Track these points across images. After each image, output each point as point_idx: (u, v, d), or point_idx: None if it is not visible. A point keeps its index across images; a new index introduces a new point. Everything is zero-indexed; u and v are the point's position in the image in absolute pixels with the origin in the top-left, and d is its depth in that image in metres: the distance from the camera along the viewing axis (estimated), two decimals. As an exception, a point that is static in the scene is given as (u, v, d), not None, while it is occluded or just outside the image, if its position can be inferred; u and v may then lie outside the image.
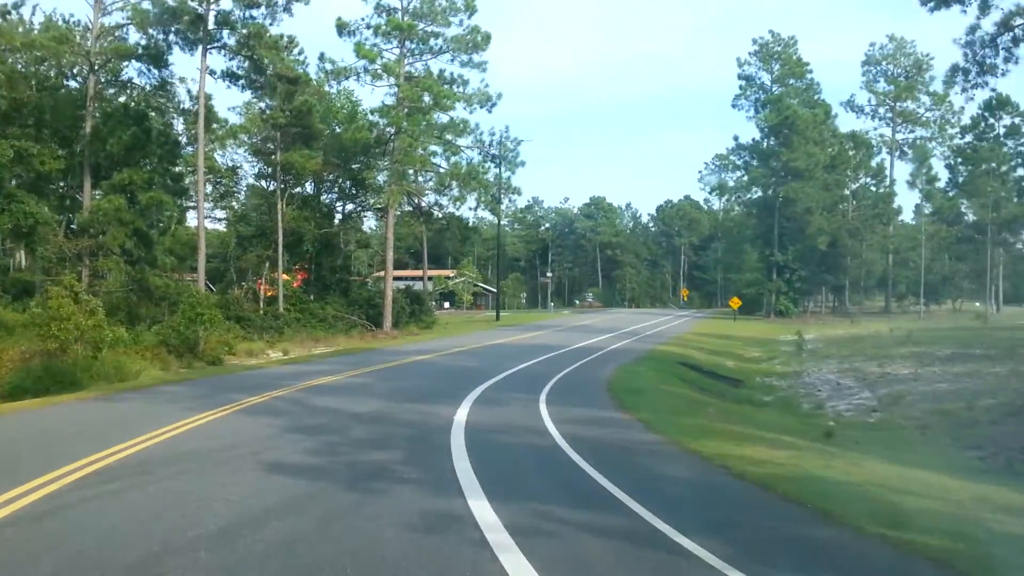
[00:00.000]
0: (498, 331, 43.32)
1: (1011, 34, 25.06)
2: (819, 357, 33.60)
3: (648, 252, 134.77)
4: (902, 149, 79.29)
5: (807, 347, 37.16)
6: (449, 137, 48.04)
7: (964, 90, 29.69)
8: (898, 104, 79.81)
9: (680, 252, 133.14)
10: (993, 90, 28.89)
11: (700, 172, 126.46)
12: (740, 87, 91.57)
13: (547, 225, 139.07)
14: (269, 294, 44.26)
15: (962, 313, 63.71)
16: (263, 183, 49.53)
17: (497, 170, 56.83)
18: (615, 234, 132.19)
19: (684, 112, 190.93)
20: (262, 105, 45.50)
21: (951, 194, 62.59)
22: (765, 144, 61.40)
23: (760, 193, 65.79)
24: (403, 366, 24.05)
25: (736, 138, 72.89)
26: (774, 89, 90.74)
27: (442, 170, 53.25)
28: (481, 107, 50.48)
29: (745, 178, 65.86)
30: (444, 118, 44.93)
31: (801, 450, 11.97)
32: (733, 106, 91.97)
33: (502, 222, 64.68)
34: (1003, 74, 27.13)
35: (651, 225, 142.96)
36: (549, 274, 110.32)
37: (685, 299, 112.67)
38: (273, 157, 43.45)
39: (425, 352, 28.72)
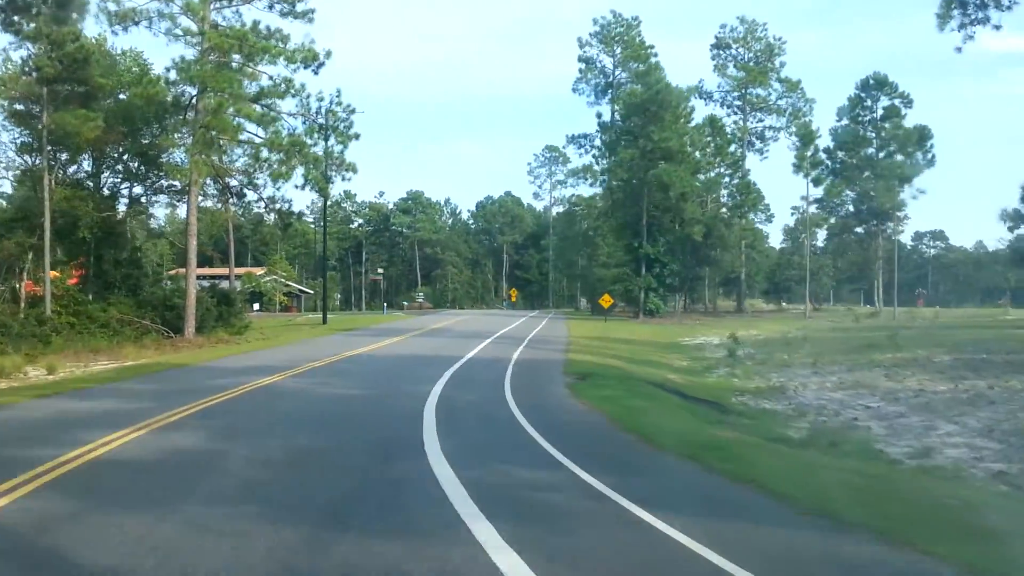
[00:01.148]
0: (338, 338, 34.30)
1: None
2: (775, 365, 26.80)
3: (469, 251, 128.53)
4: (751, 139, 75.04)
5: (740, 351, 29.86)
6: (268, 102, 37.88)
7: (962, 27, 23.40)
8: (749, 91, 75.49)
9: (503, 251, 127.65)
10: (996, 27, 22.93)
11: (529, 164, 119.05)
12: (580, 70, 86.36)
13: (361, 221, 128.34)
14: (36, 293, 32.99)
15: (846, 314, 58.70)
16: (26, 159, 37.75)
17: (325, 143, 46.80)
18: (435, 231, 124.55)
19: (493, 115, 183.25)
20: (24, 54, 33.96)
21: (833, 182, 57.23)
22: (632, 122, 54.23)
23: (615, 181, 58.54)
24: (241, 399, 15.04)
25: (599, 115, 66.16)
26: (617, 73, 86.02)
27: (258, 140, 42.46)
28: (306, 67, 40.44)
29: (603, 163, 58.29)
30: (261, 80, 34.90)
31: None
32: (574, 90, 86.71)
33: (328, 208, 54.31)
34: (1009, 7, 21.23)
35: (471, 222, 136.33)
36: (380, 271, 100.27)
37: (513, 300, 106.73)
38: (39, 121, 32.10)
39: (260, 371, 20.15)
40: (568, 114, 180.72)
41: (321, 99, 51.09)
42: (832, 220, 60.49)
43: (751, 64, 75.91)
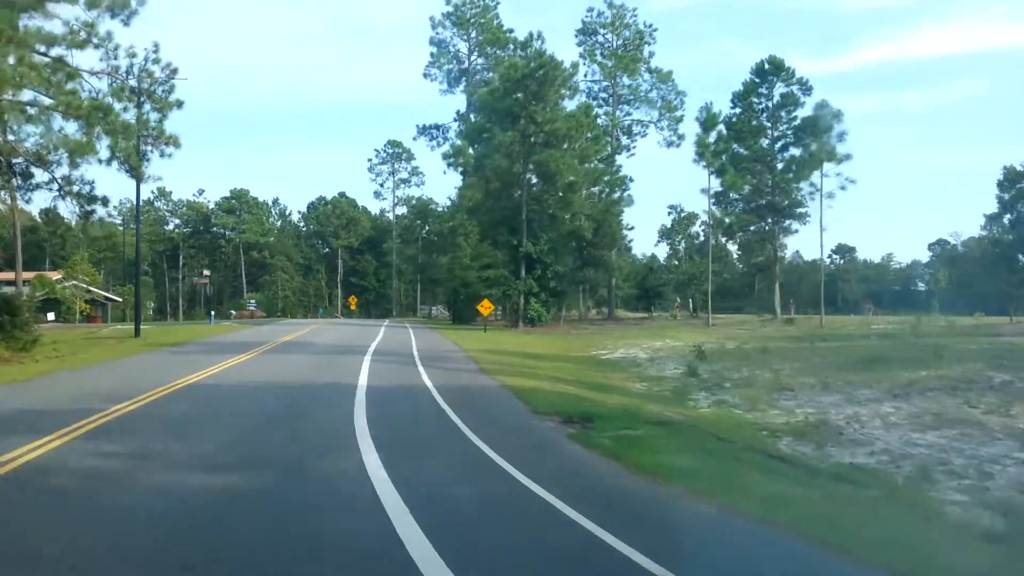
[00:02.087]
0: (159, 357, 25.75)
1: None
2: (768, 387, 20.73)
3: (301, 255, 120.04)
4: (620, 131, 69.18)
5: (706, 369, 22.92)
6: (61, 52, 28.44)
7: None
8: (618, 80, 69.72)
9: (337, 256, 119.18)
10: None
11: (370, 161, 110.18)
12: (432, 55, 78.68)
13: (178, 222, 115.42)
14: None
15: (759, 322, 52.85)
16: None
17: (138, 109, 37.20)
18: (262, 233, 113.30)
19: (325, 116, 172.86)
20: None
21: (735, 173, 51.43)
22: (511, 100, 46.69)
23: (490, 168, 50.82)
24: None
25: (470, 95, 58.23)
26: (473, 59, 78.75)
27: (48, 102, 32.27)
28: (113, 15, 31.38)
29: (476, 149, 50.38)
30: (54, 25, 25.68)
31: None
32: (424, 76, 78.85)
33: (140, 205, 43.81)
34: None
35: (303, 225, 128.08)
36: (207, 272, 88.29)
37: (352, 308, 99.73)
38: None
39: (25, 424, 10.73)
40: (409, 117, 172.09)
41: (133, 54, 41.15)
42: (728, 220, 54.47)
43: (620, 52, 70.13)
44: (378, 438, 10.81)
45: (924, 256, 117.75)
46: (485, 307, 44.99)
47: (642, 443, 11.34)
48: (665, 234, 70.54)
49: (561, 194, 49.09)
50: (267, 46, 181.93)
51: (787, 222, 57.73)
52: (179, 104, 42.25)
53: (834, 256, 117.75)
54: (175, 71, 42.15)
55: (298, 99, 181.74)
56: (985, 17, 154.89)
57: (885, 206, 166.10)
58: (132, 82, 40.66)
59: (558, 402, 15.96)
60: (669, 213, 70.20)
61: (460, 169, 52.05)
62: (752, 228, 57.88)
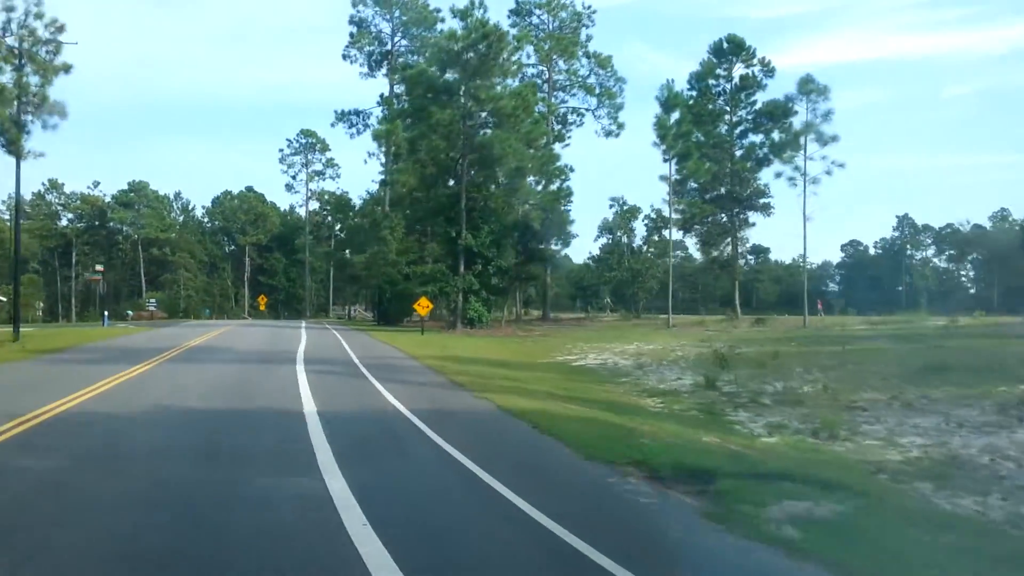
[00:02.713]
0: (38, 368, 21.32)
1: None
2: (820, 404, 15.40)
3: (205, 252, 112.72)
4: (555, 119, 64.55)
5: (724, 379, 18.52)
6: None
7: None
8: (554, 64, 65.08)
9: (244, 253, 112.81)
10: None
11: (281, 151, 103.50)
12: (351, 34, 72.82)
13: (71, 216, 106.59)
14: None
15: (710, 325, 48.53)
16: None
17: (18, 72, 31.64)
18: (163, 229, 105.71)
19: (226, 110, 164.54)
20: None
21: (698, 160, 46.90)
22: (451, 75, 41.59)
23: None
24: None
25: (393, 79, 52.79)
26: (397, 41, 73.27)
27: None
28: None
29: (402, 128, 44.92)
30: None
31: None
32: (344, 57, 73.10)
33: (29, 201, 37.19)
34: None
35: (207, 220, 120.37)
36: (99, 268, 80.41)
37: (262, 308, 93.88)
38: None
39: None
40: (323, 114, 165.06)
41: (11, 8, 35.05)
42: (692, 211, 49.75)
43: (557, 33, 65.51)
44: (395, 547, 5.83)
45: (835, 257, 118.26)
46: (423, 306, 39.76)
47: (874, 541, 6.61)
48: (607, 229, 66.27)
49: (505, 181, 44.13)
50: (176, 43, 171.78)
51: (747, 214, 54.04)
52: (66, 69, 36.15)
53: (748, 257, 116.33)
54: (62, 28, 36.01)
55: (204, 95, 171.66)
56: (881, 27, 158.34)
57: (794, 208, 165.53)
58: (10, 40, 34.59)
59: (597, 436, 11.43)
60: (611, 206, 66.25)
61: (388, 152, 46.42)
62: (709, 220, 53.66)
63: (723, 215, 53.96)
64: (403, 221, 59.83)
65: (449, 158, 44.17)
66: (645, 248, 65.25)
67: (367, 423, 12.34)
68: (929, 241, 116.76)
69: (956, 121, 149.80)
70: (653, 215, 63.84)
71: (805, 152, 40.14)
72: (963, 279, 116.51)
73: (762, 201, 52.86)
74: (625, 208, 62.62)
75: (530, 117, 44.69)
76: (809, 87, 39.24)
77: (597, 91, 65.07)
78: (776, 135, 48.68)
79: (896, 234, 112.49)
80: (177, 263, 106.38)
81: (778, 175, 40.96)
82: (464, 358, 26.13)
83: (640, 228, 65.68)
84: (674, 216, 47.24)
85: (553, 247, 52.56)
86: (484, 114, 42.98)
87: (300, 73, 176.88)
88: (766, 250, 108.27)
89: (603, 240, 68.62)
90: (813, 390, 18.46)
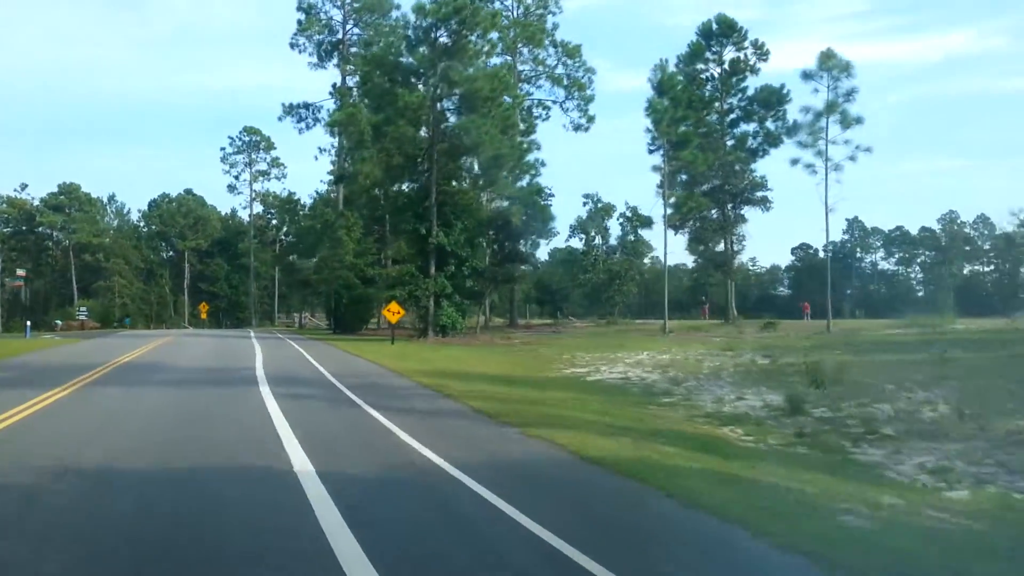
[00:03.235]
0: None
1: None
2: (999, 439, 11.55)
3: (141, 259, 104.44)
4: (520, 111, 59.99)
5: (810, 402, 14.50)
6: None
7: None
8: (519, 53, 60.62)
9: (184, 259, 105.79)
10: None
11: (223, 150, 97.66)
12: (299, 22, 67.75)
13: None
14: None
15: (709, 331, 44.13)
16: None
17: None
18: (96, 234, 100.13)
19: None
20: None
21: (696, 150, 42.55)
22: (419, 55, 36.96)
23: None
24: None
25: (360, 57, 48.08)
26: (349, 29, 68.32)
27: None
28: None
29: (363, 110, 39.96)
30: None
31: None
32: (291, 46, 67.98)
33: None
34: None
35: (143, 225, 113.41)
36: (21, 273, 74.05)
37: (204, 317, 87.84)
38: None
39: None
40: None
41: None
42: (673, 201, 44.77)
43: (523, 20, 61.10)
44: None
45: (785, 260, 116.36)
46: (393, 312, 34.99)
47: None
48: (579, 228, 61.75)
49: (480, 172, 39.53)
50: (114, 48, 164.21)
51: (743, 209, 50.09)
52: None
53: (700, 260, 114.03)
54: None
55: (142, 99, 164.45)
56: (821, 37, 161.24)
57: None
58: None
59: (762, 508, 7.32)
60: (584, 203, 61.67)
61: (341, 146, 41.44)
62: (700, 216, 49.45)
63: (715, 211, 49.70)
64: (360, 220, 54.90)
65: (418, 147, 39.48)
66: (619, 249, 60.76)
67: (405, 496, 7.89)
68: (879, 244, 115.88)
69: (899, 127, 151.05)
70: (629, 213, 59.71)
71: (827, 135, 35.87)
72: (912, 281, 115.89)
73: (759, 195, 49.06)
74: (600, 205, 58.44)
75: (508, 98, 40.15)
76: (830, 63, 35.25)
77: (565, 82, 60.98)
78: (771, 124, 45.10)
79: (846, 237, 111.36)
80: (111, 270, 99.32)
81: (794, 162, 36.80)
82: (458, 373, 21.72)
83: (615, 227, 61.59)
84: (668, 211, 43.18)
85: (530, 246, 47.85)
86: (456, 98, 38.42)
87: (243, 77, 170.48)
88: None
89: (574, 241, 64.51)
90: (939, 414, 14.42)
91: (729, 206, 49.10)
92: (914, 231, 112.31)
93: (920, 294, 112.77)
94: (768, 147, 46.22)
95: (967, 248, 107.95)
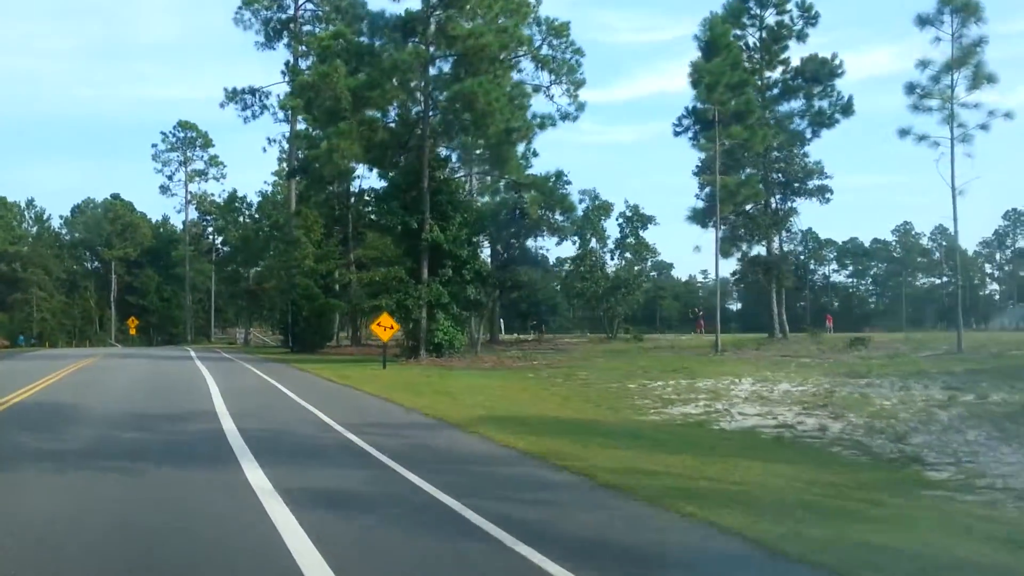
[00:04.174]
0: None
1: None
2: None
3: (63, 269, 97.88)
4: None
5: None
6: None
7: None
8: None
9: (111, 270, 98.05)
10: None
11: (155, 147, 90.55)
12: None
13: None
14: None
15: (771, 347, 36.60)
16: None
17: None
18: (12, 242, 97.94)
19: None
20: None
21: (749, 124, 35.09)
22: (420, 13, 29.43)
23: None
24: None
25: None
26: (302, 4, 60.36)
27: None
28: None
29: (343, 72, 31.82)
30: None
31: None
32: (236, 22, 60.31)
33: None
34: None
35: (65, 232, 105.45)
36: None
37: (133, 332, 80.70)
38: None
39: None
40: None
41: None
42: (742, 191, 36.79)
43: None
44: None
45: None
46: (385, 328, 26.94)
47: None
48: (576, 228, 54.17)
49: (486, 152, 31.88)
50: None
51: (795, 201, 43.00)
52: None
53: (652, 273, 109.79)
54: None
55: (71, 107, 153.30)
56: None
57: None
58: None
59: None
60: (581, 200, 54.04)
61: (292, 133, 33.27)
62: (741, 210, 41.82)
63: (770, 203, 42.28)
64: (321, 219, 46.70)
65: (407, 121, 31.79)
66: (616, 252, 53.49)
67: None
68: (832, 256, 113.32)
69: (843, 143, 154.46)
70: (629, 212, 52.28)
71: (952, 94, 28.32)
72: (865, 293, 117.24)
73: (816, 183, 41.96)
74: (598, 203, 50.88)
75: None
76: (954, 2, 28.09)
77: (553, 64, 53.60)
78: (818, 102, 38.04)
79: (800, 248, 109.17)
80: (28, 281, 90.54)
81: (903, 133, 29.29)
82: (531, 421, 14.37)
83: (612, 229, 54.02)
84: (706, 204, 35.86)
85: (546, 244, 39.44)
86: (455, 55, 30.73)
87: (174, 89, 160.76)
88: (670, 266, 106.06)
89: (566, 245, 57.19)
90: None
91: (777, 196, 42.02)
92: (867, 242, 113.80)
93: (872, 306, 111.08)
94: (819, 128, 39.40)
95: (920, 259, 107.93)
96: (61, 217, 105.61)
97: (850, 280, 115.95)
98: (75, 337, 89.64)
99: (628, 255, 51.20)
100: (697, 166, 39.05)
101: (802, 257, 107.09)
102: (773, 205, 42.25)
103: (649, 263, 54.22)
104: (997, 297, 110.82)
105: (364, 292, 34.71)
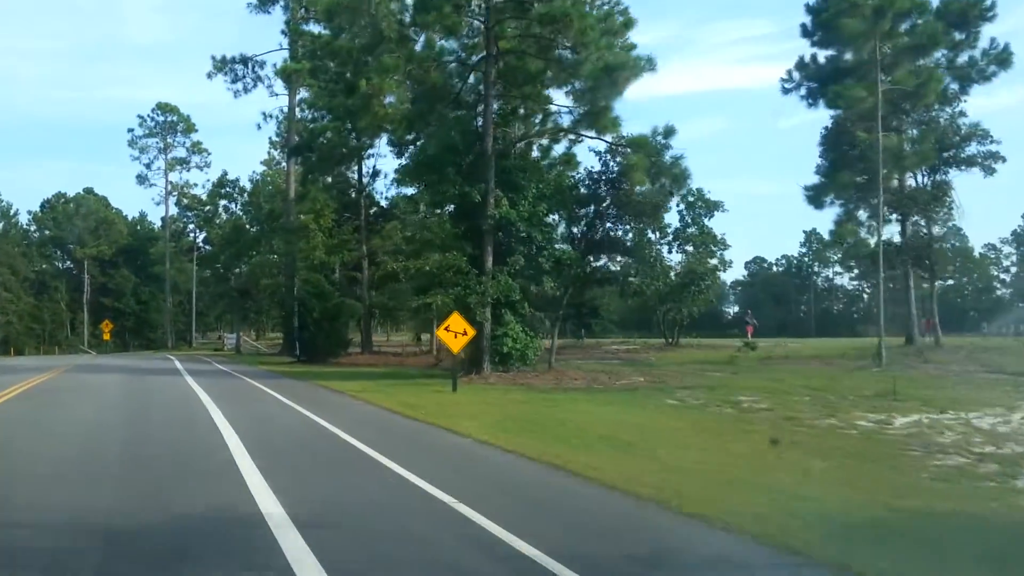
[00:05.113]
0: None
1: None
2: None
3: (32, 268, 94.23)
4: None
5: None
6: None
7: None
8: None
9: (84, 269, 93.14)
10: None
11: (132, 133, 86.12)
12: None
13: None
14: None
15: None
16: None
17: None
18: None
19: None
20: None
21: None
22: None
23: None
24: None
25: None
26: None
27: None
28: None
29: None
30: None
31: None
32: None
33: None
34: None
35: (34, 229, 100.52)
36: None
37: (107, 338, 77.57)
38: None
39: None
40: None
41: None
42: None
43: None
44: None
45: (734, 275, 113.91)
46: (456, 335, 19.14)
47: None
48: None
49: (584, 95, 24.43)
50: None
51: (948, 172, 35.46)
52: None
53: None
54: None
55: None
56: (720, 60, 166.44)
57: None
58: None
59: None
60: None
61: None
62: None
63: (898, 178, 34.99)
64: (331, 203, 39.09)
65: (468, 58, 24.33)
66: (675, 244, 45.76)
67: None
68: (835, 257, 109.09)
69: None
70: (692, 197, 44.08)
71: None
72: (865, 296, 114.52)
73: (983, 150, 34.40)
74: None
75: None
76: None
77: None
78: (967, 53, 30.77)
79: (803, 250, 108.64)
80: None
81: None
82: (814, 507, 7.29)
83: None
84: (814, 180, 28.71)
85: (656, 218, 31.09)
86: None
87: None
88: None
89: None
90: None
91: (939, 168, 34.23)
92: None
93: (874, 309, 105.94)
94: (967, 83, 32.19)
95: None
96: (29, 212, 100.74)
97: (857, 284, 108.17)
98: (44, 342, 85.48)
99: (689, 247, 44.09)
100: (825, 128, 31.98)
101: (805, 259, 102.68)
102: (921, 178, 35.21)
103: (718, 256, 46.96)
104: None
105: (411, 287, 27.21)
